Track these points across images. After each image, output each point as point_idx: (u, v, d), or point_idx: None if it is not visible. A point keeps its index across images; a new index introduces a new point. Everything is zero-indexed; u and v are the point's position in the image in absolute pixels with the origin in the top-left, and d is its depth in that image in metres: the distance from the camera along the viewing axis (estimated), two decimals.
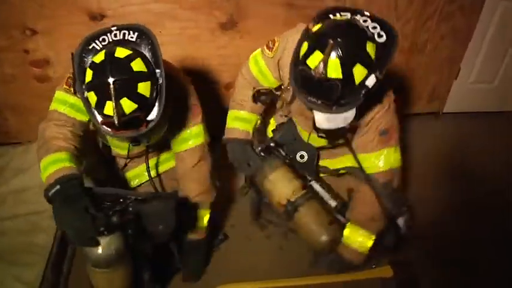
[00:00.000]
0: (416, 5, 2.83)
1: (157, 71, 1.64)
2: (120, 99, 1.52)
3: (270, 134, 2.38)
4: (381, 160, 1.97)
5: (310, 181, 2.26)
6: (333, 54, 1.47)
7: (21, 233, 2.38)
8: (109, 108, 1.53)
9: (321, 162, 2.34)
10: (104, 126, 1.64)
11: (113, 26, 1.71)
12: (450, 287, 2.28)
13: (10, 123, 2.92)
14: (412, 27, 2.92)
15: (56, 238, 2.35)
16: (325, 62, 1.47)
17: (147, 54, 1.67)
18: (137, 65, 1.58)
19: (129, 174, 2.34)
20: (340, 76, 1.50)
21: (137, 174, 2.33)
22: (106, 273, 1.74)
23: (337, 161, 2.29)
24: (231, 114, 2.28)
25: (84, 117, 1.86)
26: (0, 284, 2.13)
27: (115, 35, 1.69)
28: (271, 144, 2.26)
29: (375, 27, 1.62)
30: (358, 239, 2.12)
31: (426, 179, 2.91)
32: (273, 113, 2.40)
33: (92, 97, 1.57)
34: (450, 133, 3.39)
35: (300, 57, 1.59)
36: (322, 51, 1.48)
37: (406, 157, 2.91)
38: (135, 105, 1.56)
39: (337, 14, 1.68)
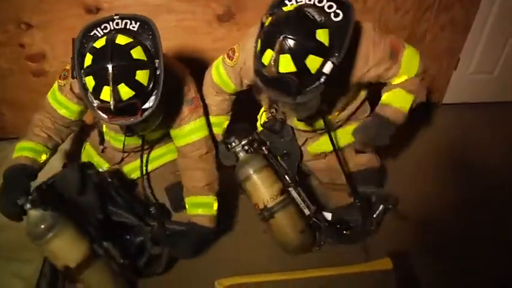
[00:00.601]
0: None
1: (156, 61, 1.68)
2: (118, 84, 1.56)
3: (259, 128, 2.38)
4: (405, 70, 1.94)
5: (288, 187, 2.24)
6: (283, 50, 1.49)
7: (18, 228, 2.36)
8: (106, 93, 1.56)
9: (308, 148, 2.36)
10: (100, 112, 1.67)
11: (116, 15, 1.74)
12: (449, 281, 2.26)
13: (6, 118, 2.91)
14: (411, 18, 2.90)
15: None
16: (276, 59, 1.49)
17: (148, 44, 1.70)
18: (137, 53, 1.62)
19: (126, 168, 2.36)
20: (294, 69, 1.52)
21: (136, 168, 2.34)
22: (44, 244, 1.83)
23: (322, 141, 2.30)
24: (211, 119, 2.27)
25: (68, 114, 1.98)
26: None
27: (117, 24, 1.74)
28: (256, 138, 2.26)
29: (330, 6, 1.60)
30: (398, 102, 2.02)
31: (425, 171, 2.90)
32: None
33: (90, 81, 1.60)
34: (450, 124, 3.37)
35: (257, 55, 1.62)
36: (272, 49, 1.50)
37: (404, 149, 2.94)
38: (132, 92, 1.59)
39: (289, 2, 1.68)
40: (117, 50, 1.58)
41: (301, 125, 2.19)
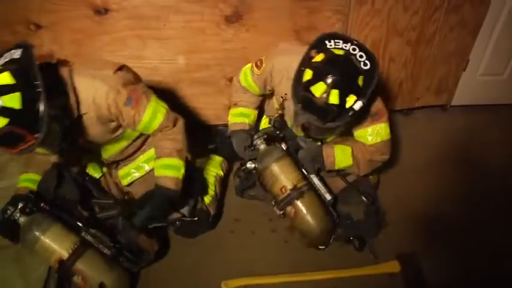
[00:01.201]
0: None
1: (36, 83, 1.58)
2: None
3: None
4: (373, 134, 2.26)
5: (309, 174, 2.36)
6: (335, 86, 1.82)
7: None
8: None
9: None
10: None
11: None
12: (458, 283, 2.25)
13: None
14: (419, 18, 2.87)
15: None
16: (328, 92, 1.82)
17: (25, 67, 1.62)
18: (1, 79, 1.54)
19: (121, 172, 2.38)
20: (338, 102, 1.84)
21: (127, 173, 2.37)
22: (37, 241, 1.96)
23: None
24: (232, 112, 2.61)
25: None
26: (5, 282, 2.14)
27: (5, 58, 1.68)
28: (277, 133, 2.43)
29: (361, 56, 1.93)
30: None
31: (433, 172, 2.89)
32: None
33: None
34: (458, 126, 3.34)
35: (303, 82, 1.90)
36: (326, 83, 1.82)
37: (412, 151, 2.93)
38: (6, 119, 1.52)
39: (332, 41, 1.97)
40: None
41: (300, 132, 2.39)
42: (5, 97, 1.51)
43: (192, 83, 2.91)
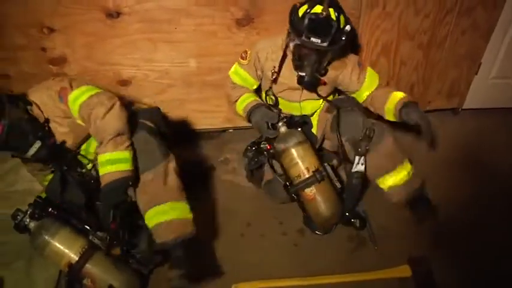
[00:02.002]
0: None
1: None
2: None
3: None
4: (371, 81, 2.50)
5: (324, 163, 2.45)
6: (330, 5, 2.12)
7: None
8: None
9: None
10: None
11: None
12: (465, 283, 2.24)
13: None
14: (431, 21, 2.86)
15: None
16: (326, 8, 2.11)
17: None
18: None
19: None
20: (335, 19, 2.12)
21: None
22: (47, 245, 2.02)
23: None
24: (241, 100, 2.59)
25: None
26: (16, 283, 2.16)
27: None
28: (296, 119, 2.53)
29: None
30: None
31: (442, 175, 2.87)
32: None
33: None
34: (469, 129, 3.33)
35: (301, 15, 2.16)
36: (322, 4, 2.11)
37: (422, 154, 2.91)
38: None
39: None
40: None
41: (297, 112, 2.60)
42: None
43: (203, 86, 2.92)
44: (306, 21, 2.12)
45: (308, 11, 2.14)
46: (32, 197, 2.54)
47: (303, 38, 2.16)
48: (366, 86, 2.48)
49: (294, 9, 2.23)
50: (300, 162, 2.34)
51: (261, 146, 2.54)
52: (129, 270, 2.14)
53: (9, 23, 2.54)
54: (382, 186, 2.42)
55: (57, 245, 2.01)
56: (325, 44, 2.15)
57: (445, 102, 3.38)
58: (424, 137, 2.29)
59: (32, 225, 2.05)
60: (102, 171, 1.99)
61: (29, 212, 2.06)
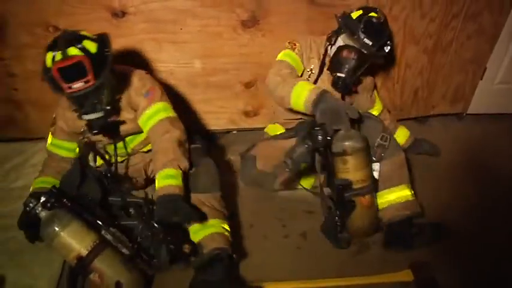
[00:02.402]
0: (442, 3, 2.77)
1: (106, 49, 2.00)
2: (67, 48, 1.87)
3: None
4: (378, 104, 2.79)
5: None
6: (382, 14, 2.28)
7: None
8: (58, 56, 1.86)
9: None
10: (58, 80, 1.88)
11: None
12: (467, 285, 2.22)
13: (31, 119, 2.96)
14: (437, 25, 2.86)
15: None
16: (382, 15, 2.27)
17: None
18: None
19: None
20: (385, 24, 2.30)
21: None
22: (57, 237, 1.97)
23: None
24: (303, 84, 2.23)
25: (72, 154, 2.31)
26: (18, 281, 2.15)
27: None
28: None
29: None
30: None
31: (445, 180, 2.86)
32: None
33: (49, 56, 1.90)
34: (473, 134, 3.32)
35: (355, 17, 2.30)
36: (376, 13, 2.26)
37: (425, 159, 2.91)
38: (81, 53, 1.88)
39: None
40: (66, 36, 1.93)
41: None
42: (86, 41, 1.92)
43: (208, 87, 2.93)
44: (363, 22, 2.25)
45: (363, 15, 2.27)
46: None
47: (356, 37, 2.26)
48: (376, 107, 2.75)
49: (345, 14, 2.36)
50: (368, 165, 2.28)
51: (318, 134, 2.10)
52: (136, 270, 2.12)
53: (14, 22, 2.55)
54: (381, 200, 2.39)
55: (67, 237, 1.96)
56: (374, 48, 2.27)
57: (449, 107, 3.37)
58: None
59: (43, 214, 2.00)
60: (159, 184, 2.10)
61: (42, 201, 2.00)
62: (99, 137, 2.20)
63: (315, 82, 2.46)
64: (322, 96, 2.10)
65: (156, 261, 2.12)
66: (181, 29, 2.66)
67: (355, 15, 2.31)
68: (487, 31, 2.96)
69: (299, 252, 2.41)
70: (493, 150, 3.15)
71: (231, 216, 2.39)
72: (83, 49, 1.89)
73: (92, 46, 1.93)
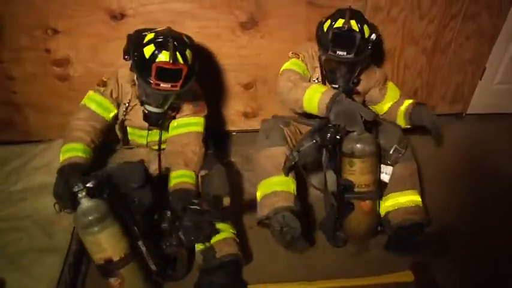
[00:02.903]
0: (441, 4, 2.78)
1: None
2: (175, 51, 1.96)
3: None
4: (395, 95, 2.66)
5: None
6: (351, 18, 2.20)
7: (41, 231, 2.40)
8: (165, 55, 1.94)
9: None
10: (153, 74, 1.96)
11: None
12: (467, 285, 2.23)
13: (30, 122, 2.95)
14: (435, 26, 2.87)
15: (74, 237, 2.36)
16: (347, 21, 2.19)
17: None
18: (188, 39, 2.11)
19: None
20: (357, 30, 2.19)
21: None
22: (92, 235, 1.89)
23: None
24: (313, 88, 2.21)
25: (106, 114, 2.24)
26: (18, 285, 2.15)
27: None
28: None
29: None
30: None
31: (445, 181, 2.86)
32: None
33: (150, 49, 1.97)
34: (472, 134, 3.33)
35: (326, 29, 2.27)
36: (343, 17, 2.20)
37: (425, 159, 2.90)
38: (184, 63, 1.99)
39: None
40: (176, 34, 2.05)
41: None
42: (188, 51, 2.03)
43: (207, 89, 2.90)
44: (330, 35, 2.22)
45: (332, 25, 2.24)
46: (33, 193, 2.58)
47: (330, 52, 2.25)
48: (388, 99, 2.63)
49: (319, 25, 2.35)
50: (374, 171, 2.29)
51: (328, 132, 2.13)
52: (152, 282, 2.12)
53: (13, 24, 2.55)
54: (389, 203, 2.40)
55: (103, 239, 1.89)
56: (351, 56, 2.22)
57: (448, 107, 3.38)
58: (433, 136, 2.52)
59: (84, 200, 1.87)
60: (173, 181, 2.22)
61: (88, 187, 1.87)
62: (140, 122, 2.27)
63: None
64: (336, 98, 2.09)
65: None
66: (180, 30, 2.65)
67: (325, 26, 2.29)
68: (485, 32, 2.96)
69: (300, 255, 2.41)
70: (493, 150, 3.16)
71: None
72: (186, 59, 2.01)
73: (190, 56, 2.05)
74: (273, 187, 2.29)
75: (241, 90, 2.96)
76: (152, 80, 1.97)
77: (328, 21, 2.28)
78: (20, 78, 2.75)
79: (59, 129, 2.89)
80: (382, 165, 2.34)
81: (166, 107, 2.20)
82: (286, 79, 2.34)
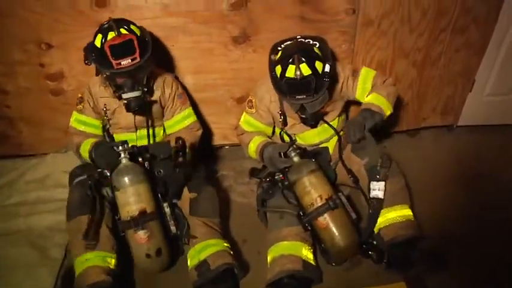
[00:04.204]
0: (430, 17, 2.81)
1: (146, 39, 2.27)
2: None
3: None
4: (366, 81, 2.53)
5: (338, 192, 2.37)
6: (300, 62, 2.15)
7: (34, 246, 2.39)
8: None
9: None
10: (109, 56, 2.12)
11: None
12: None
13: (24, 136, 2.96)
14: (425, 39, 2.90)
15: (68, 251, 2.35)
16: (298, 67, 2.14)
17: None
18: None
19: None
20: (310, 72, 2.16)
21: None
22: (136, 184, 2.15)
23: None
24: (252, 141, 2.58)
25: (94, 130, 2.47)
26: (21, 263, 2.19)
27: None
28: (308, 149, 2.54)
29: (307, 38, 2.40)
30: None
31: (437, 192, 2.87)
32: None
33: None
34: (464, 146, 3.34)
35: (279, 76, 2.23)
36: (293, 63, 2.16)
37: (417, 171, 2.92)
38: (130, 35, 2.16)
39: (281, 43, 2.39)
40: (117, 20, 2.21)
41: (316, 139, 2.63)
42: (132, 26, 2.22)
43: (199, 103, 2.94)
44: (285, 86, 2.22)
45: (283, 74, 2.21)
46: (26, 208, 2.58)
47: (289, 99, 2.27)
48: (359, 93, 2.54)
49: (271, 66, 2.33)
50: (313, 190, 2.27)
51: (275, 177, 2.43)
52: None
53: (7, 38, 2.57)
54: (380, 219, 2.34)
55: (142, 189, 2.16)
56: (311, 98, 2.22)
57: (439, 119, 3.40)
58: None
59: (124, 160, 2.17)
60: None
61: (129, 149, 2.19)
62: (125, 120, 2.45)
63: (285, 121, 2.54)
64: (262, 151, 2.48)
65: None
66: (173, 45, 2.68)
67: (277, 70, 2.25)
68: (474, 44, 2.99)
69: None
70: (484, 160, 3.16)
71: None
72: (131, 30, 2.17)
73: (137, 30, 2.22)
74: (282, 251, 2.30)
75: (233, 104, 2.98)
76: (112, 62, 2.11)
77: (279, 68, 2.23)
78: (14, 92, 2.76)
79: (52, 143, 2.91)
80: (372, 182, 2.32)
81: (140, 88, 2.25)
82: (238, 140, 2.71)
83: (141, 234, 2.10)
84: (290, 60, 2.17)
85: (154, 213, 2.16)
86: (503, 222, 2.62)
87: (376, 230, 2.35)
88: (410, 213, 2.36)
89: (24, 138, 2.98)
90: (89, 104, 2.43)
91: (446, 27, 2.87)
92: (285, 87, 2.22)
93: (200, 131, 2.65)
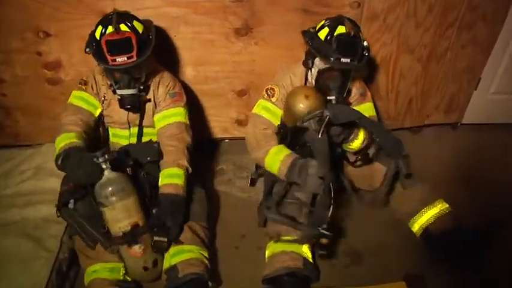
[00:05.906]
0: (437, 12, 2.77)
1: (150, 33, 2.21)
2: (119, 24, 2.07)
3: None
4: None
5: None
6: (350, 21, 2.19)
7: (29, 237, 2.36)
8: (110, 29, 2.06)
9: None
10: (105, 51, 2.05)
11: None
12: None
13: (20, 125, 2.92)
14: (431, 35, 2.86)
15: (63, 243, 2.34)
16: (351, 27, 2.15)
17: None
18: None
19: None
20: (357, 35, 2.18)
21: None
22: (122, 200, 2.03)
23: None
24: (272, 152, 2.33)
25: (93, 109, 2.33)
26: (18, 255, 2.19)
27: None
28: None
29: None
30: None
31: (440, 191, 2.82)
32: None
33: (98, 30, 2.09)
34: (467, 144, 3.31)
35: (324, 38, 2.18)
36: (343, 25, 2.15)
37: (420, 168, 2.89)
38: (130, 31, 2.07)
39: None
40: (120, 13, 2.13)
41: None
42: (135, 21, 2.13)
43: (200, 95, 2.91)
44: (335, 43, 2.14)
45: (331, 33, 2.16)
46: (21, 199, 2.56)
47: (333, 60, 2.16)
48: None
49: (311, 34, 2.26)
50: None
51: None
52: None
53: (5, 26, 2.53)
54: (423, 219, 2.47)
55: (130, 204, 2.06)
56: (355, 63, 2.18)
57: (443, 117, 3.37)
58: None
59: (107, 172, 2.01)
60: (162, 182, 2.26)
61: (110, 158, 2.02)
62: (118, 115, 2.35)
63: None
64: (292, 170, 2.19)
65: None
66: (175, 36, 2.64)
67: (322, 34, 2.20)
68: (481, 41, 2.96)
69: None
70: (488, 160, 3.14)
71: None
72: (132, 27, 2.09)
73: (139, 27, 2.13)
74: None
75: (234, 97, 2.95)
76: (107, 57, 2.04)
77: (326, 29, 2.19)
78: (11, 81, 2.73)
79: (49, 133, 2.87)
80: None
81: (136, 86, 2.21)
82: (251, 132, 2.42)
83: (136, 248, 2.08)
84: (338, 22, 2.17)
85: (146, 226, 2.12)
86: (506, 221, 2.59)
87: (420, 231, 2.45)
88: (447, 205, 2.48)
89: (21, 128, 2.94)
90: (92, 89, 2.34)
91: (453, 23, 2.83)
92: (334, 46, 2.14)
93: (186, 138, 2.39)
